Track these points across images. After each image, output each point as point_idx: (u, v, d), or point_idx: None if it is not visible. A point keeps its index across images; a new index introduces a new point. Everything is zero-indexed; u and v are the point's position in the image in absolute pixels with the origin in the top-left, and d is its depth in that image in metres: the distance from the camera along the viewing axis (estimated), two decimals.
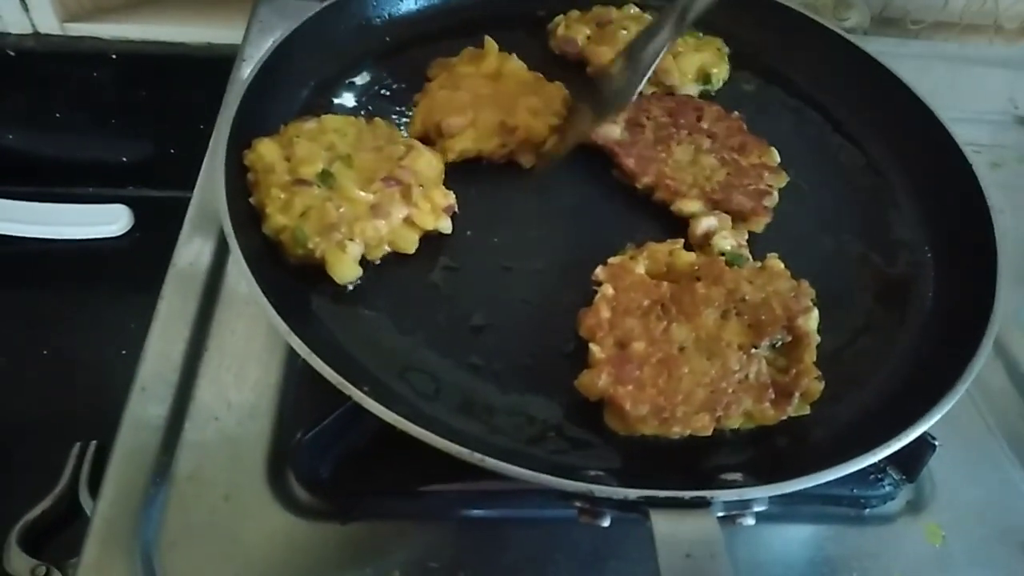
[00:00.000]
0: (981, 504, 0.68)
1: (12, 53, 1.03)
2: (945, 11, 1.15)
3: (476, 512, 0.61)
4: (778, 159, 0.75)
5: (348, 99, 0.78)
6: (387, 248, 0.65)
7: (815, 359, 0.60)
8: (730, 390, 0.57)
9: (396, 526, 0.59)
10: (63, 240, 1.10)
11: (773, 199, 0.72)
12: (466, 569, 0.58)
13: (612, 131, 0.74)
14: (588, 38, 0.84)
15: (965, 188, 0.73)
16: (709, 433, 0.56)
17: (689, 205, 0.71)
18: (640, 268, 0.64)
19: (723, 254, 0.66)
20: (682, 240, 0.67)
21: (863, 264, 0.72)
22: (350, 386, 0.52)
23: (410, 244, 0.65)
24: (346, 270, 0.62)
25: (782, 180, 0.74)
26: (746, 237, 0.69)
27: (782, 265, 0.65)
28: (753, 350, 0.59)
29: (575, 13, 0.87)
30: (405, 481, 0.60)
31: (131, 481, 0.58)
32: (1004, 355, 0.80)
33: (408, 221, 0.65)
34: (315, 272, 0.62)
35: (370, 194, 0.64)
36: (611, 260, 0.65)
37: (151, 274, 0.72)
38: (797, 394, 0.57)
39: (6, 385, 0.98)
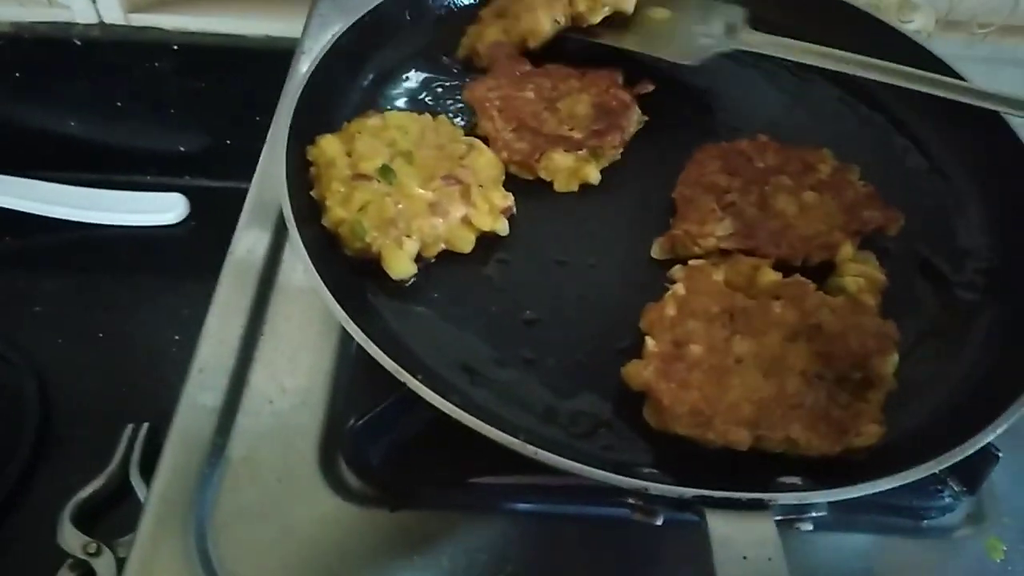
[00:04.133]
0: None
1: (78, 43, 1.06)
2: (1014, 15, 1.11)
3: (526, 506, 0.61)
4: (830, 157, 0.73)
5: (407, 92, 0.78)
6: (443, 246, 0.65)
7: (882, 403, 0.57)
8: (779, 412, 0.55)
9: (445, 516, 0.59)
10: (120, 226, 1.13)
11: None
12: (514, 563, 0.58)
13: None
14: None
15: None
16: (745, 448, 0.54)
17: (845, 249, 0.66)
18: (719, 276, 0.62)
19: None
20: (771, 260, 0.64)
21: (928, 270, 0.70)
22: (405, 373, 0.52)
23: (466, 244, 0.65)
24: (401, 266, 0.62)
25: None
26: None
27: (873, 302, 0.63)
28: (815, 380, 0.57)
29: None
30: (455, 472, 0.60)
31: (187, 461, 0.59)
32: None
33: (465, 221, 0.65)
34: (371, 266, 0.62)
35: (429, 192, 0.64)
36: (692, 262, 0.64)
37: (205, 262, 0.73)
38: (850, 433, 0.55)
39: (63, 366, 1.01)
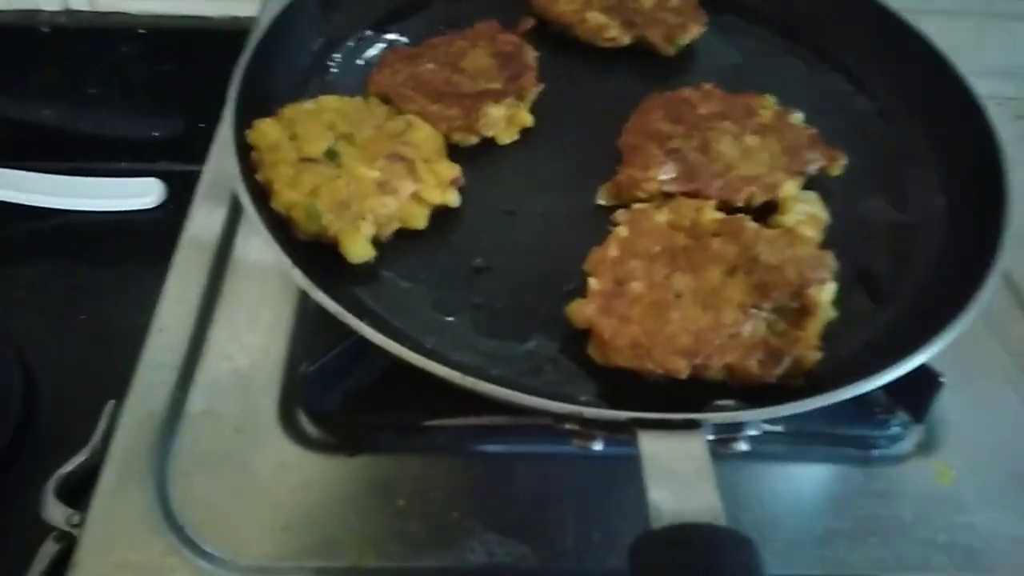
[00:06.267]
0: (995, 445, 0.67)
1: (46, 30, 1.07)
2: None
3: (480, 447, 0.63)
4: (773, 103, 0.74)
5: (359, 60, 0.80)
6: (397, 225, 0.65)
7: (819, 331, 0.58)
8: (716, 342, 0.56)
9: (401, 459, 0.61)
10: (98, 212, 1.14)
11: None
12: (469, 500, 0.60)
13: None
14: None
15: (979, 136, 0.72)
16: (683, 377, 0.55)
17: (789, 188, 0.67)
18: (662, 218, 0.64)
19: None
20: (714, 202, 0.65)
21: (875, 211, 0.72)
22: (351, 316, 0.54)
23: (420, 220, 0.66)
24: (360, 249, 0.62)
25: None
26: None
27: (811, 233, 0.64)
28: (752, 310, 0.58)
29: None
30: (410, 415, 0.62)
31: (147, 415, 0.61)
32: None
33: (416, 197, 0.65)
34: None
35: (375, 171, 0.64)
36: (635, 206, 0.65)
37: None
38: (787, 358, 0.56)
39: (46, 349, 1.02)
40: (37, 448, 0.95)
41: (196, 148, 1.16)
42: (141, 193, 1.14)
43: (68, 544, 0.80)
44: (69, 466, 0.87)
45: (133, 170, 1.17)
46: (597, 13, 0.81)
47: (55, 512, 0.82)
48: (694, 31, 0.82)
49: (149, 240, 1.15)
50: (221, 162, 0.79)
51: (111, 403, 0.90)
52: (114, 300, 1.08)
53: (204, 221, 0.75)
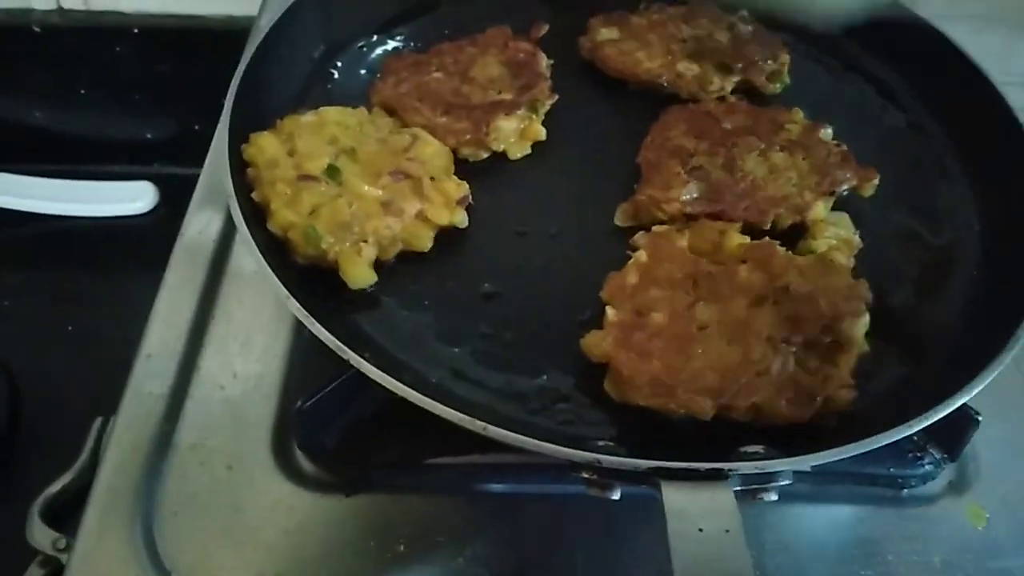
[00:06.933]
0: None
1: (37, 29, 1.04)
2: None
3: (485, 486, 0.59)
4: (802, 117, 0.71)
5: (363, 67, 0.76)
6: (400, 247, 0.61)
7: (852, 368, 0.54)
8: (744, 380, 0.52)
9: (402, 499, 0.57)
10: (89, 217, 1.10)
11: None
12: (473, 545, 0.56)
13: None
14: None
15: (1016, 154, 0.68)
16: (708, 418, 0.52)
17: (817, 210, 0.64)
18: (683, 241, 0.60)
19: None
20: (739, 224, 0.62)
21: (907, 233, 0.68)
22: (349, 351, 0.50)
23: (425, 241, 0.62)
24: (361, 275, 0.59)
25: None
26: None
27: (844, 260, 0.60)
28: (782, 344, 0.54)
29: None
30: (412, 453, 0.58)
31: (133, 449, 0.58)
32: None
33: (421, 216, 0.61)
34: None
35: (379, 190, 0.60)
36: (655, 228, 0.62)
37: None
38: (819, 399, 0.52)
39: (32, 360, 0.98)
40: (23, 464, 0.92)
41: (191, 150, 1.12)
42: (133, 198, 1.11)
43: (53, 569, 0.77)
44: (55, 487, 0.84)
45: (125, 173, 1.14)
46: (688, 63, 0.75)
47: (41, 536, 0.79)
48: (786, 62, 0.77)
49: (141, 247, 1.11)
50: (216, 171, 0.75)
51: (99, 420, 0.88)
52: (104, 309, 1.05)
53: (197, 235, 0.71)
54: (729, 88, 0.74)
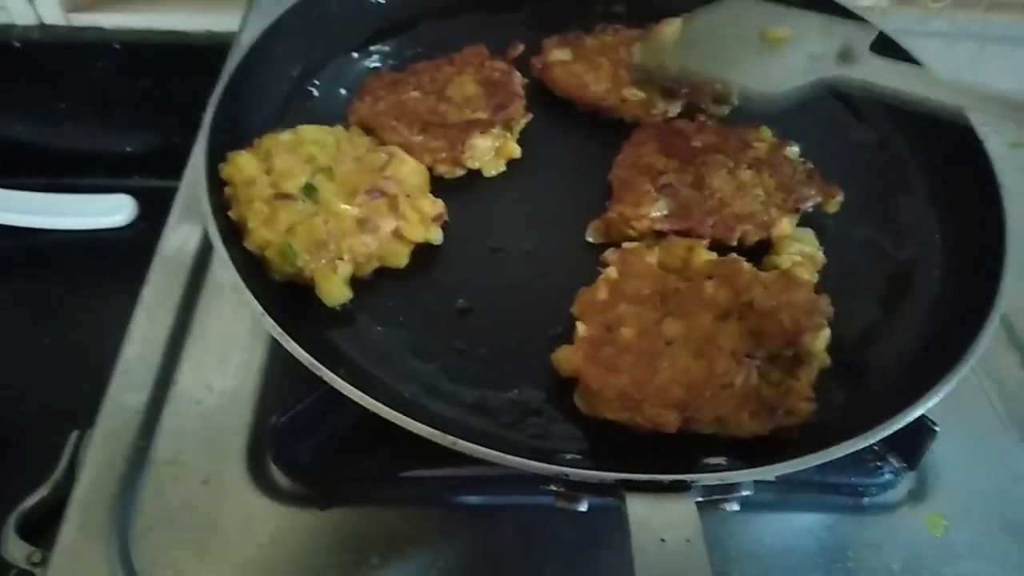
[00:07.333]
0: (986, 494, 0.65)
1: (18, 44, 1.04)
2: None
3: (458, 499, 0.60)
4: (770, 135, 0.72)
5: (341, 86, 0.77)
6: (376, 264, 0.62)
7: (813, 380, 0.56)
8: (708, 393, 0.54)
9: (376, 512, 0.58)
10: (67, 231, 1.10)
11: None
12: (447, 557, 0.57)
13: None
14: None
15: (976, 168, 0.70)
16: (673, 431, 0.53)
17: (783, 227, 0.65)
18: (652, 258, 0.62)
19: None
20: (706, 241, 0.63)
21: (870, 248, 0.70)
22: (323, 368, 0.51)
23: (401, 258, 0.63)
24: (337, 292, 0.60)
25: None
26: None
27: (807, 276, 0.62)
28: (745, 359, 0.56)
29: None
30: (385, 467, 0.59)
31: (109, 465, 0.58)
32: (1020, 347, 0.77)
33: (397, 234, 0.62)
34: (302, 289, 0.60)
35: (355, 207, 0.61)
36: (625, 245, 0.63)
37: None
38: (780, 412, 0.54)
39: (8, 373, 0.98)
40: None
41: (170, 163, 1.13)
42: (111, 211, 1.11)
43: None
44: (30, 501, 0.84)
45: (104, 186, 1.14)
46: (634, 89, 0.75)
47: (15, 550, 0.79)
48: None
49: (120, 260, 1.11)
50: (194, 188, 0.76)
51: (75, 433, 0.88)
52: (82, 322, 1.05)
53: (175, 251, 0.72)
54: (675, 112, 0.75)
